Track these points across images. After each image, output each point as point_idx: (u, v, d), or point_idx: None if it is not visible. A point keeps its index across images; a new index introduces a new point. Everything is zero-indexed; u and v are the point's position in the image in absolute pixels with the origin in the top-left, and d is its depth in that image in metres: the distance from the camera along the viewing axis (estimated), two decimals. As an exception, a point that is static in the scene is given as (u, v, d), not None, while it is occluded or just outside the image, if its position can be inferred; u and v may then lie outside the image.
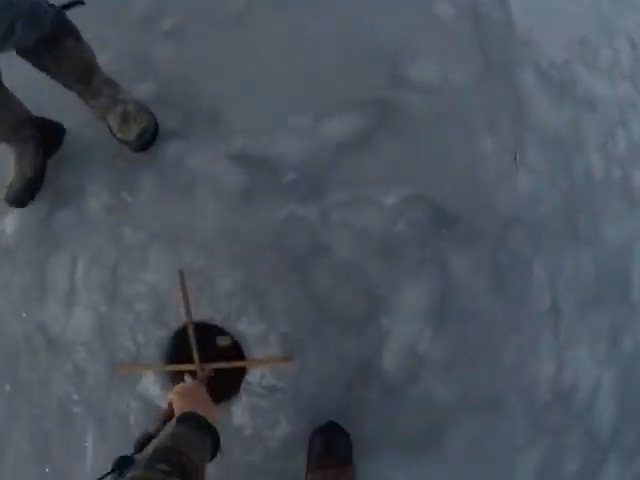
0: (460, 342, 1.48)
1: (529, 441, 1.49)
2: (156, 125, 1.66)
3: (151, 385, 1.58)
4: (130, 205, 1.63)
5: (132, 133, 1.59)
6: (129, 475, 0.72)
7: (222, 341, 1.61)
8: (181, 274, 1.41)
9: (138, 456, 0.86)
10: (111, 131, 1.64)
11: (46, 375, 1.68)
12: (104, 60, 1.62)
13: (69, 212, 1.70)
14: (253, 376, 1.52)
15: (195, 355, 1.40)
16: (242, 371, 1.59)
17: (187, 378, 1.35)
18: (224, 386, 1.59)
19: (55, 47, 1.40)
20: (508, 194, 1.66)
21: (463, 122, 1.63)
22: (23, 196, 1.72)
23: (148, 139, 1.63)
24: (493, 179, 1.66)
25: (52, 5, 1.39)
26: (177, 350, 1.64)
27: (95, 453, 1.64)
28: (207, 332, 1.57)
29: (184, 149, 1.64)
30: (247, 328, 1.51)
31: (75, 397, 1.66)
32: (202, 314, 1.52)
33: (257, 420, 1.52)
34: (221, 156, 1.61)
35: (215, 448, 0.96)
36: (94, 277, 1.64)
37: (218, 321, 1.53)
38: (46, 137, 1.71)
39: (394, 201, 1.54)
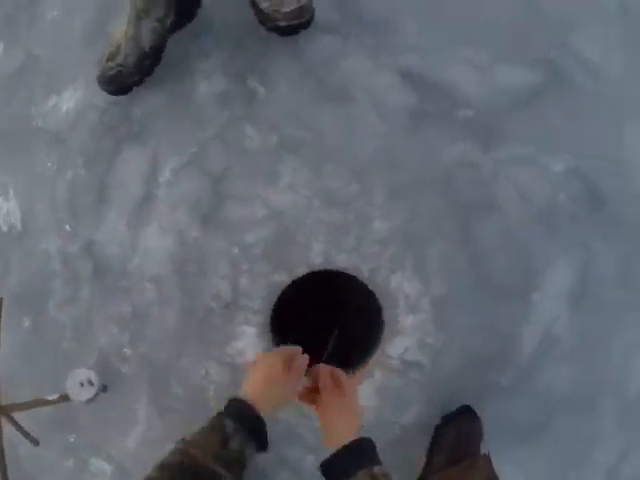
0: (585, 332, 1.24)
1: (610, 439, 1.29)
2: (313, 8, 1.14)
3: (250, 348, 1.06)
4: (259, 97, 1.10)
5: (287, 6, 1.06)
6: None
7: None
8: None
9: None
10: (253, 0, 1.10)
11: (87, 315, 1.11)
12: None
13: (162, 94, 1.13)
14: (395, 348, 1.07)
15: None
16: (372, 340, 1.17)
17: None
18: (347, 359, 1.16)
19: None
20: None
21: (616, 110, 1.35)
22: (128, 77, 1.11)
23: (307, 19, 1.11)
24: (637, 174, 1.42)
25: None
26: (287, 307, 1.15)
27: (146, 430, 1.11)
28: (345, 283, 1.11)
29: (341, 49, 1.15)
30: (399, 286, 1.05)
31: (126, 352, 1.11)
32: (345, 260, 1.05)
33: (386, 403, 1.09)
34: (388, 68, 1.15)
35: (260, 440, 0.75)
36: (186, 186, 1.08)
37: (364, 272, 1.05)
38: (178, 4, 1.12)
39: (559, 169, 1.24)
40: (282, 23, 1.09)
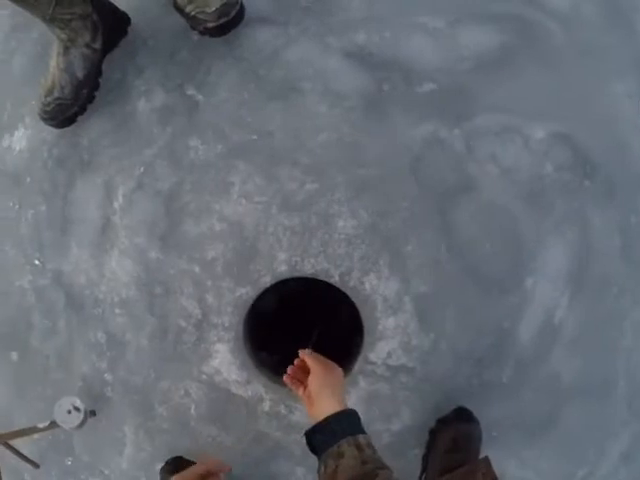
0: (590, 314, 1.12)
1: (622, 425, 1.19)
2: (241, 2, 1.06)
3: (225, 365, 1.02)
4: (200, 106, 1.02)
5: (211, 6, 0.99)
6: None
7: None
8: None
9: None
10: (177, 6, 1.03)
11: (68, 344, 1.09)
12: None
13: (105, 118, 1.07)
14: (378, 353, 1.00)
15: None
16: (355, 347, 1.10)
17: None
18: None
19: None
20: (638, 148, 1.28)
21: (595, 61, 1.19)
22: (68, 109, 1.06)
23: (232, 17, 1.02)
24: (626, 129, 1.25)
25: None
26: (263, 317, 1.10)
27: (135, 451, 1.09)
28: (318, 290, 1.04)
29: (282, 39, 1.05)
30: (375, 287, 0.97)
31: (107, 377, 1.09)
32: (313, 265, 0.97)
33: (373, 411, 1.02)
34: (334, 51, 1.04)
35: None
36: (140, 209, 1.03)
37: (335, 277, 0.97)
38: (106, 26, 1.06)
39: (542, 136, 1.10)
40: (211, 24, 1.01)
